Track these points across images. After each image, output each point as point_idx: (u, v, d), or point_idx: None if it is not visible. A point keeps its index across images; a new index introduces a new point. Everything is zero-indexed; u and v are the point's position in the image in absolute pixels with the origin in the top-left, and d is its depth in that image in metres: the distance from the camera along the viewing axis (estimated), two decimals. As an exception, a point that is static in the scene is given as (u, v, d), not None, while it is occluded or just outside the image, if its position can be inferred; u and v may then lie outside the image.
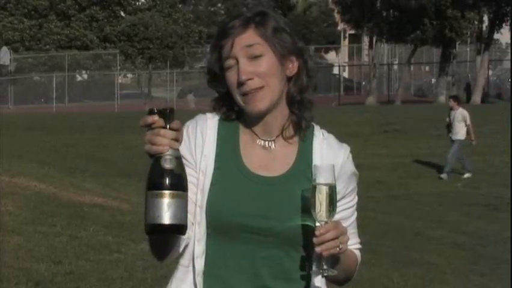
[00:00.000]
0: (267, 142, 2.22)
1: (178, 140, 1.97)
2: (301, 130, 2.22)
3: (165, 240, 2.12)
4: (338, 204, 2.16)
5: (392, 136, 24.14)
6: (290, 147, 2.23)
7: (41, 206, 9.77)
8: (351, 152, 2.27)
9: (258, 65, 2.15)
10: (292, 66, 2.20)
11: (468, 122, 17.35)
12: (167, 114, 1.95)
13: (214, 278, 2.18)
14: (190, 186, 2.03)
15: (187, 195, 1.98)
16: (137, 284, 6.66)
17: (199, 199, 2.16)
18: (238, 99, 2.17)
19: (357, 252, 2.31)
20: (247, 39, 2.16)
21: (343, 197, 2.21)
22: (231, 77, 2.17)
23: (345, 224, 2.15)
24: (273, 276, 2.17)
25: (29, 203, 9.83)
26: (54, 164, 15.49)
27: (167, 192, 1.93)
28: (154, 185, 1.94)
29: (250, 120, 2.22)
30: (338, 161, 2.20)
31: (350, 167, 2.24)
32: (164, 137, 1.94)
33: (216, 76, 2.22)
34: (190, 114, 2.31)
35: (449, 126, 17.54)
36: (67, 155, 18.75)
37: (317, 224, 2.07)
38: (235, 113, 2.24)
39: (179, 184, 1.95)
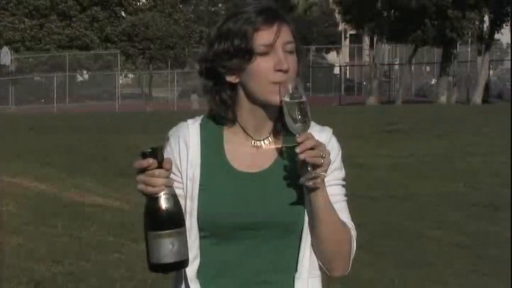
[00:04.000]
0: (258, 141, 2.23)
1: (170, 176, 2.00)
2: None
3: None
4: (326, 179, 2.12)
5: (392, 136, 24.11)
6: (278, 142, 2.23)
7: (41, 206, 9.78)
8: (346, 149, 2.28)
9: (289, 61, 2.16)
10: None
11: None
12: (159, 154, 1.98)
13: (213, 280, 2.19)
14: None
15: (185, 229, 2.03)
16: (138, 284, 6.67)
17: (188, 206, 2.17)
18: (265, 86, 2.14)
19: (352, 232, 2.22)
20: (288, 34, 2.17)
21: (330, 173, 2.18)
22: (264, 62, 2.14)
23: (334, 199, 2.16)
24: (273, 270, 2.19)
25: (30, 203, 9.84)
26: (55, 164, 15.48)
27: (169, 232, 1.98)
28: (156, 225, 1.99)
29: (242, 119, 2.21)
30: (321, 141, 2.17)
31: (334, 144, 2.23)
32: (160, 177, 1.97)
33: (232, 64, 2.15)
34: (193, 115, 2.31)
35: None
36: (68, 155, 18.71)
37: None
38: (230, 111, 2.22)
39: (179, 221, 2.01)
